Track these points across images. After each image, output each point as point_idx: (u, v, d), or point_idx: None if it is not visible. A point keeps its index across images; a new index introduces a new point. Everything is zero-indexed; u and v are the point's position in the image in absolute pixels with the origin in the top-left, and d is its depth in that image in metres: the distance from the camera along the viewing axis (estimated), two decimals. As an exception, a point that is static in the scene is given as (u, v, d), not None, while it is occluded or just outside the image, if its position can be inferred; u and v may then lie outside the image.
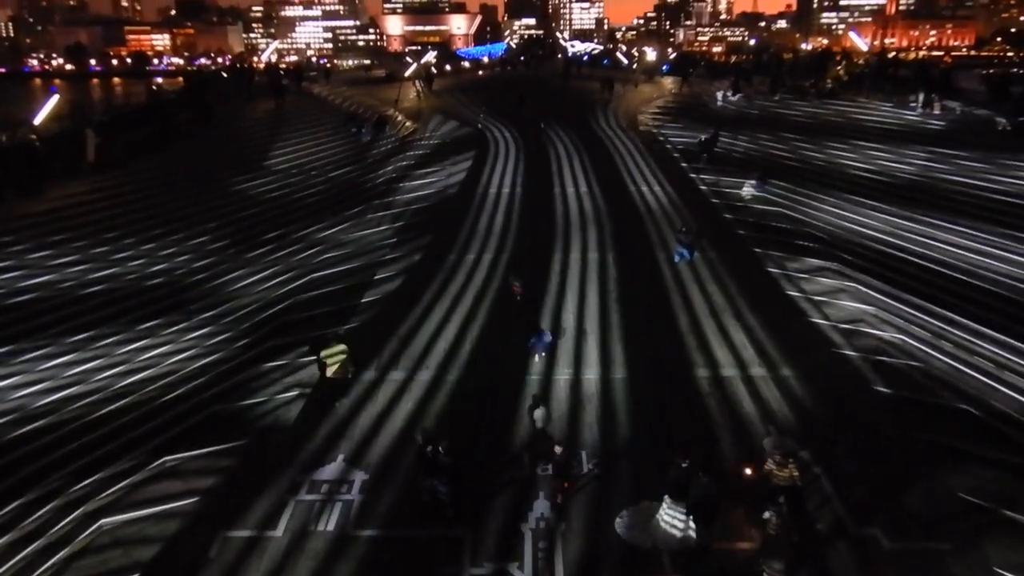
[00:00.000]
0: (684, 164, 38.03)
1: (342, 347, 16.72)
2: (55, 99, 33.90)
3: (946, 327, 19.45)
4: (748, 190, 31.83)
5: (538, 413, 14.71)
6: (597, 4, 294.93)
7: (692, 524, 11.89)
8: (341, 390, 16.68)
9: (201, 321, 20.51)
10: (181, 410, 16.24)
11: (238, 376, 17.70)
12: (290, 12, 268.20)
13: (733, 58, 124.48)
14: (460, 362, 18.15)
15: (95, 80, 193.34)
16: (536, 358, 17.81)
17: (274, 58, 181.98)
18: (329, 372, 16.40)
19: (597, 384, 17.02)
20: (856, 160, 35.36)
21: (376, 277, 23.70)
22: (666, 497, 12.17)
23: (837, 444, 14.57)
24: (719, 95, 55.10)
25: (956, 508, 12.76)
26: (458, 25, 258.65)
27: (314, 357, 17.07)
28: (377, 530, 12.49)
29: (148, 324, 19.96)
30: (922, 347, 18.53)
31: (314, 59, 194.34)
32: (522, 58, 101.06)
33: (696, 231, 25.32)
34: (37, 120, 32.59)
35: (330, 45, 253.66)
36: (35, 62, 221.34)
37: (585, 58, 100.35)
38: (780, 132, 42.24)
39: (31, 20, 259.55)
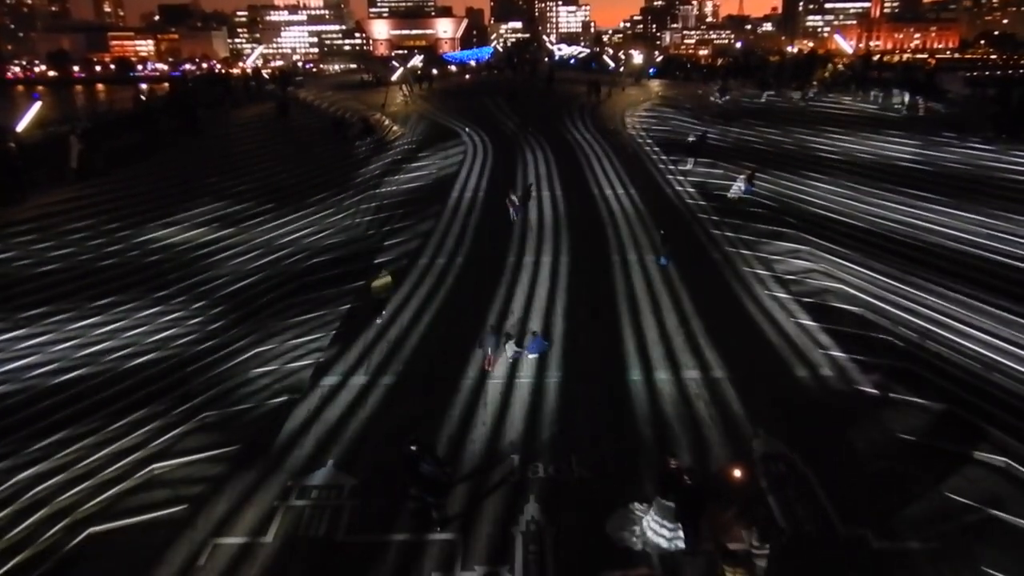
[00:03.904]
0: (671, 166, 38.20)
1: (385, 273, 21.47)
2: (37, 106, 33.65)
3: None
4: (736, 190, 32.01)
5: None
6: (583, 7, 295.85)
7: (681, 526, 11.93)
8: (380, 308, 20.75)
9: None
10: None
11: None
12: (275, 17, 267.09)
13: (719, 61, 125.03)
14: (449, 366, 18.11)
15: (78, 87, 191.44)
16: (526, 360, 17.85)
17: (259, 63, 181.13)
18: (374, 292, 20.71)
19: (583, 389, 17.00)
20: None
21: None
22: (656, 499, 12.22)
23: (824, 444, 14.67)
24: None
25: (945, 508, 12.84)
26: (444, 29, 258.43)
27: (364, 281, 21.75)
28: (368, 536, 12.45)
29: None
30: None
31: (300, 64, 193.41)
32: (514, 61, 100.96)
33: (664, 236, 25.26)
34: (19, 127, 32.29)
35: (316, 50, 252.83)
36: (17, 69, 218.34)
37: (571, 61, 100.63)
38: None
39: (12, 27, 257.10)
